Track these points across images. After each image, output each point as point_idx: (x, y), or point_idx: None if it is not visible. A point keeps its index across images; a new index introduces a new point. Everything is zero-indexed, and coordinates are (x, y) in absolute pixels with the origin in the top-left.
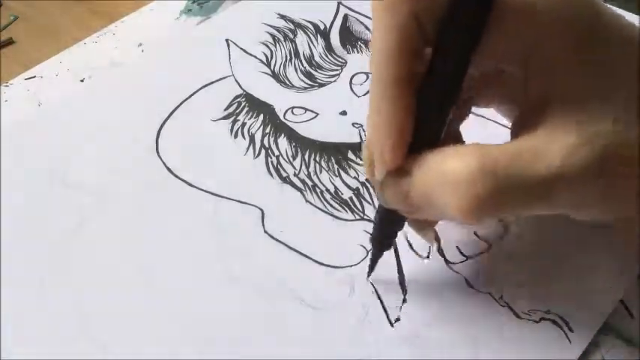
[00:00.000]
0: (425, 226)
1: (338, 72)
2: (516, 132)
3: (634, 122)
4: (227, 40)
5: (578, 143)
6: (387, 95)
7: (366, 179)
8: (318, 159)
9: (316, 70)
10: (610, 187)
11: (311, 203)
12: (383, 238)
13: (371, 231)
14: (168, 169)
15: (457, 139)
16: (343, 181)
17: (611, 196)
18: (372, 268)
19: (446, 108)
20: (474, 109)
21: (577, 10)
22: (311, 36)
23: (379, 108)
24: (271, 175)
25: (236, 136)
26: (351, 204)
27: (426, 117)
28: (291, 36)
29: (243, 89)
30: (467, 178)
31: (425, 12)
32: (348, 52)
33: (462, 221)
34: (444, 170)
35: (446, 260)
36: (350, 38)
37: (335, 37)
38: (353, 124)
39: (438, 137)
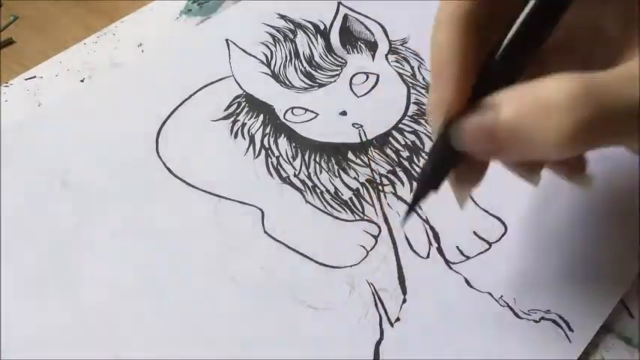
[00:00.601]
0: (464, 183)
1: (338, 72)
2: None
3: None
4: (227, 40)
5: None
6: (449, 30)
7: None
8: (318, 159)
9: (316, 71)
10: None
11: (311, 204)
12: (433, 177)
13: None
14: (168, 169)
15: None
16: (343, 182)
17: None
18: (412, 209)
19: (537, 41)
20: None
21: None
22: (311, 36)
23: (440, 44)
24: (271, 175)
25: (236, 136)
26: (350, 204)
27: (513, 50)
28: (291, 36)
29: (243, 89)
30: (569, 101)
31: None
32: (348, 53)
33: (555, 154)
34: (541, 96)
35: (446, 260)
36: (350, 38)
37: (335, 38)
38: (353, 124)
39: (522, 73)
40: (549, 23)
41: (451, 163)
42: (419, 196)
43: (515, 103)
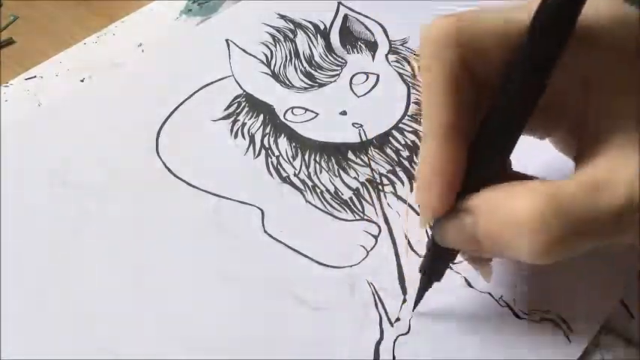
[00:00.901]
0: (483, 263)
1: (338, 72)
2: (579, 164)
3: None
4: (227, 40)
5: None
6: (435, 144)
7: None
8: (318, 159)
9: (316, 70)
10: None
11: (311, 203)
12: (435, 269)
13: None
14: (168, 169)
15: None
16: (343, 182)
17: None
18: (419, 298)
19: (509, 147)
20: None
21: (635, 30)
22: (311, 36)
23: (428, 156)
24: (271, 175)
25: (236, 136)
26: (351, 204)
27: (489, 156)
28: (291, 36)
29: (243, 89)
30: (539, 220)
31: (474, 56)
32: (348, 53)
33: (534, 262)
34: (513, 212)
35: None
36: (350, 38)
37: (335, 37)
38: (353, 124)
39: (498, 175)
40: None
41: (449, 256)
42: (424, 288)
43: (492, 213)
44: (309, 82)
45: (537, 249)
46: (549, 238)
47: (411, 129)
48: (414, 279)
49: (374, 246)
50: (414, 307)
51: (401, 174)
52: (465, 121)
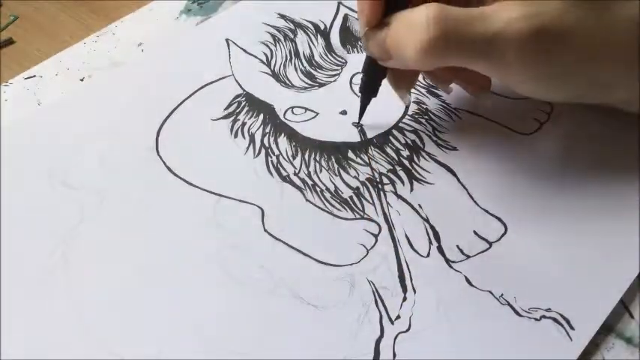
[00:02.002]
0: (401, 84)
1: (338, 72)
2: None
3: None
4: (227, 40)
5: (519, 16)
6: None
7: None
8: (318, 158)
9: (316, 70)
10: (546, 63)
11: (311, 202)
12: (369, 84)
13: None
14: (168, 169)
15: None
16: (343, 181)
17: (548, 74)
18: (362, 113)
19: None
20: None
21: None
22: (311, 36)
23: None
24: (271, 174)
25: (236, 135)
26: (351, 203)
27: None
28: (291, 36)
29: (243, 89)
30: (422, 22)
31: None
32: (348, 52)
33: (419, 63)
34: (409, 18)
35: (446, 259)
36: (350, 38)
37: (335, 37)
38: (353, 123)
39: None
40: None
41: (380, 72)
42: (364, 102)
43: (397, 22)
44: (309, 82)
45: (417, 45)
46: (427, 37)
47: (411, 128)
48: (414, 278)
49: (374, 245)
50: (359, 121)
51: (401, 173)
52: None
